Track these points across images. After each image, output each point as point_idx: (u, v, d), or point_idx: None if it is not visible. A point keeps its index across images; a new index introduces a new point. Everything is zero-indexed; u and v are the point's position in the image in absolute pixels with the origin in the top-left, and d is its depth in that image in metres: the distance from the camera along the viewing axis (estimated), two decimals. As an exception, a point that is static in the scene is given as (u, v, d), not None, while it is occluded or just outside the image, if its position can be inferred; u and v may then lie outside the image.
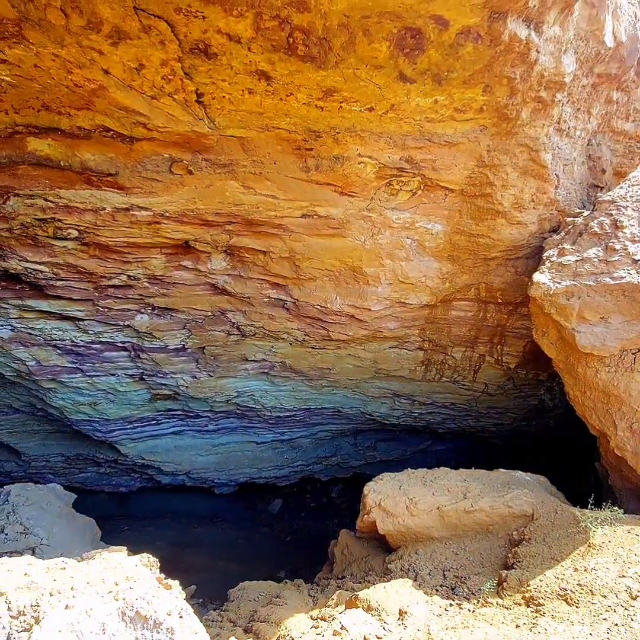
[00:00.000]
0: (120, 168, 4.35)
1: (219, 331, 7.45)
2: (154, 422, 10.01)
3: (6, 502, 6.41)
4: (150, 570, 2.41)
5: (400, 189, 4.82)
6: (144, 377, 8.50)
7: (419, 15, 3.14)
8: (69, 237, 5.27)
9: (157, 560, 3.08)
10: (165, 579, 2.51)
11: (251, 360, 8.13)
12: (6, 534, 5.88)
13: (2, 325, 7.19)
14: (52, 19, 2.68)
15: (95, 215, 4.98)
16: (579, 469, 11.32)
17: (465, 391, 8.43)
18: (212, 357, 7.98)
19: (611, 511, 3.92)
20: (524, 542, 4.22)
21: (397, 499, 4.66)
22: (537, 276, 4.72)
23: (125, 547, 2.61)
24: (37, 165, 4.34)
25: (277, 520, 10.78)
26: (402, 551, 4.68)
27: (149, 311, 7.16)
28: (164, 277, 6.31)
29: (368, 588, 3.85)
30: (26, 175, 4.42)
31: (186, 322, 7.31)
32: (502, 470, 5.16)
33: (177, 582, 2.74)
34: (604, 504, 4.22)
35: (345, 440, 11.65)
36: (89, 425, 9.59)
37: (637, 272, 4.25)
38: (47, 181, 4.52)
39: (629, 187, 4.81)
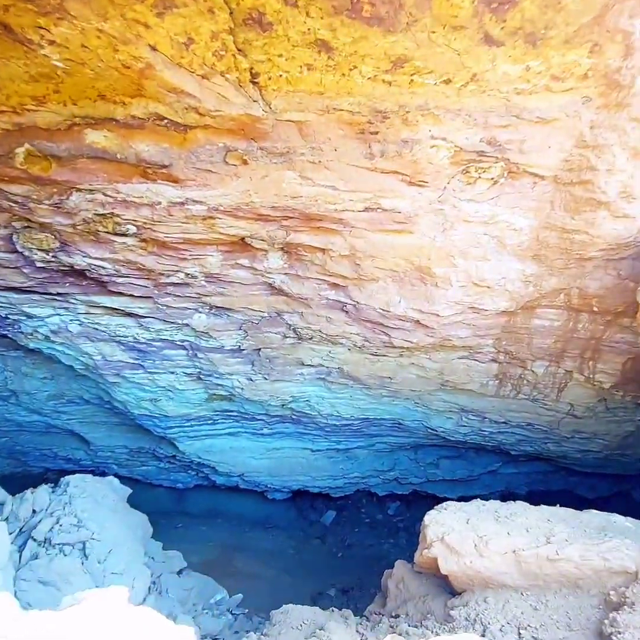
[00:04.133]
0: (174, 159, 4.17)
1: (275, 333, 7.20)
2: (211, 421, 10.04)
3: (64, 493, 6.56)
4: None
5: (479, 177, 4.19)
6: (201, 376, 8.50)
7: (513, -47, 2.57)
8: (127, 232, 5.24)
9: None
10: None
11: (307, 365, 7.80)
12: (61, 525, 5.97)
13: (71, 320, 7.47)
14: (95, -13, 2.48)
15: (152, 209, 4.87)
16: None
17: (545, 411, 7.44)
18: (268, 360, 7.75)
19: None
20: (625, 607, 3.40)
21: (464, 535, 4.01)
22: (651, 281, 3.86)
23: (126, 589, 2.29)
24: (95, 159, 4.29)
25: (329, 532, 10.34)
26: (468, 596, 4.02)
27: (207, 310, 7.08)
28: (221, 275, 6.14)
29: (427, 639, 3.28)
30: (85, 169, 4.39)
31: (242, 322, 7.14)
32: (594, 511, 4.30)
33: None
34: None
35: (405, 454, 10.94)
36: (150, 421, 9.82)
37: None
38: (105, 175, 4.47)
39: None
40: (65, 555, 5.73)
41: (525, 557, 3.75)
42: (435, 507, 4.55)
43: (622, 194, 4.04)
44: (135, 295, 6.64)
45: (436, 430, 9.21)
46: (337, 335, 6.66)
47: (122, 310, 7.11)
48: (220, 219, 4.93)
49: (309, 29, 3.07)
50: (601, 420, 7.33)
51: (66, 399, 10.40)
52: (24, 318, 7.45)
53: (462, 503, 4.51)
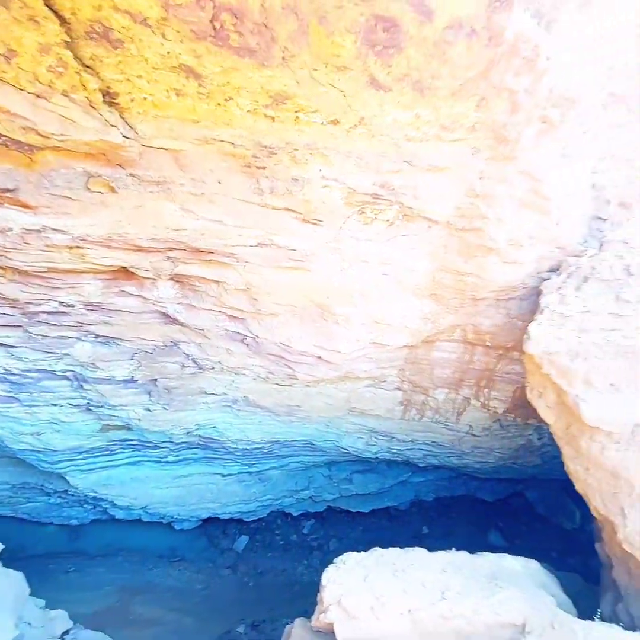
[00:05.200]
0: (21, 182, 3.45)
1: (173, 363, 6.56)
2: (107, 452, 9.05)
3: None
4: None
5: (376, 218, 4.00)
6: (90, 407, 7.57)
7: None
8: (-26, 260, 4.35)
9: None
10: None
11: (211, 394, 7.26)
12: None
13: None
14: None
15: (2, 236, 4.06)
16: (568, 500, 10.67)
17: (447, 431, 7.65)
18: (166, 390, 7.07)
19: (622, 637, 3.14)
20: (512, 659, 3.43)
21: (361, 597, 3.81)
22: (534, 329, 3.93)
23: None
24: None
25: (241, 559, 9.86)
26: (366, 658, 3.84)
27: (91, 339, 6.24)
28: (103, 303, 5.40)
29: None
30: None
31: (134, 352, 6.41)
32: (488, 555, 4.35)
33: None
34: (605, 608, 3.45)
35: (319, 471, 10.80)
36: (33, 455, 8.59)
37: (657, 332, 3.49)
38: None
39: (643, 224, 4.08)
40: None
41: (420, 617, 3.65)
42: (334, 561, 4.33)
43: (510, 241, 4.09)
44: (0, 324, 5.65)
45: (348, 450, 9.15)
46: (239, 367, 6.22)
47: (-15, 340, 6.03)
48: (90, 249, 4.25)
49: (169, 52, 2.61)
50: (496, 437, 7.71)
51: None
52: None
53: (362, 555, 4.34)
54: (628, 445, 3.65)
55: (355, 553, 4.44)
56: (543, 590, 3.96)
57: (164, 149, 3.34)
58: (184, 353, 6.31)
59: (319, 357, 5.34)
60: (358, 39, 2.58)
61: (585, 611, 4.16)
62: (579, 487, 4.15)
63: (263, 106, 2.99)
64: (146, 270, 4.78)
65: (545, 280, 4.48)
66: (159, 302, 5.44)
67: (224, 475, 10.11)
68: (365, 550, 4.64)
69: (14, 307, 5.36)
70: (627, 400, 3.59)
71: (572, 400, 3.73)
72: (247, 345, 5.75)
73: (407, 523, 10.84)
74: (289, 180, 3.62)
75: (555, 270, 4.54)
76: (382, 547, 4.64)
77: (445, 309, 4.85)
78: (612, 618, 4.30)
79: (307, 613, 5.14)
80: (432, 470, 10.77)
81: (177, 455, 9.55)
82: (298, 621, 4.49)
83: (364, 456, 9.34)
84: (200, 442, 8.96)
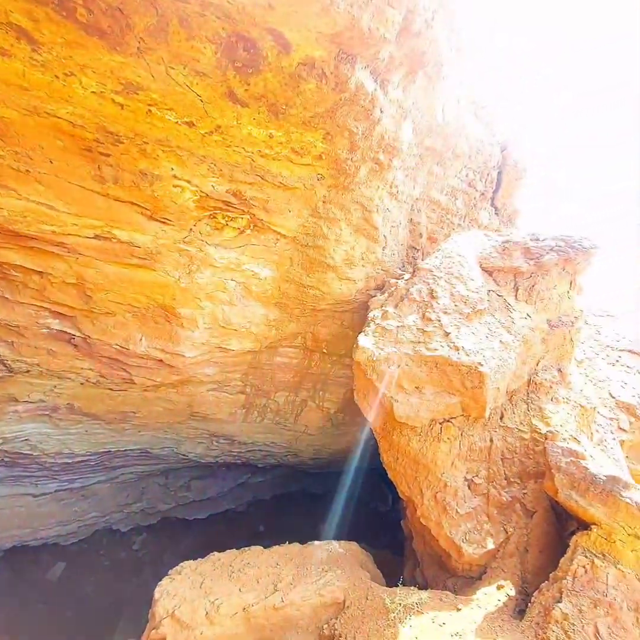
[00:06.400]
0: None
1: (-29, 365, 5.44)
2: None
3: None
4: None
5: (226, 225, 4.05)
6: None
7: (255, 23, 2.46)
8: None
9: None
10: None
11: (24, 401, 6.22)
12: None
13: None
14: None
15: None
16: (382, 486, 12.23)
17: (286, 432, 8.07)
18: (-41, 398, 5.82)
19: (417, 597, 3.82)
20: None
21: (196, 604, 3.78)
22: (362, 340, 4.51)
23: None
24: None
25: (57, 589, 8.57)
26: (196, 665, 3.80)
27: None
28: None
29: None
30: None
31: None
32: (316, 543, 4.76)
33: None
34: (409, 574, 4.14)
35: (154, 480, 10.16)
36: None
37: (448, 345, 4.36)
38: None
39: (443, 258, 5.03)
40: None
41: (254, 612, 3.79)
42: (169, 573, 4.18)
43: (346, 261, 4.61)
44: None
45: (187, 456, 8.85)
46: (63, 370, 5.49)
47: None
48: None
49: (-5, 8, 2.25)
50: (329, 435, 8.44)
51: None
52: None
53: (197, 562, 4.29)
54: (426, 437, 4.47)
55: (191, 561, 4.36)
56: (361, 568, 4.52)
57: (-22, 112, 2.83)
58: (-11, 353, 5.30)
59: (161, 361, 5.09)
60: (219, 51, 2.63)
61: (393, 579, 4.89)
62: (390, 474, 4.87)
63: (112, 91, 2.80)
64: (-61, 251, 3.91)
65: (372, 297, 5.15)
66: (-44, 290, 4.49)
67: (36, 496, 8.71)
68: (202, 556, 4.59)
69: None
70: (428, 400, 4.39)
71: (388, 400, 4.39)
72: (75, 345, 5.13)
73: (245, 524, 10.96)
74: (136, 173, 3.42)
75: (380, 288, 5.27)
76: (219, 550, 4.65)
77: (289, 317, 5.16)
78: (411, 582, 5.14)
79: (138, 633, 4.79)
80: (271, 469, 11.16)
81: (-31, 477, 7.89)
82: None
83: (203, 461, 9.15)
84: (6, 459, 7.59)
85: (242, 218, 3.99)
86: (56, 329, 4.99)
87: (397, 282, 4.95)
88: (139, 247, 4.01)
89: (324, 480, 12.42)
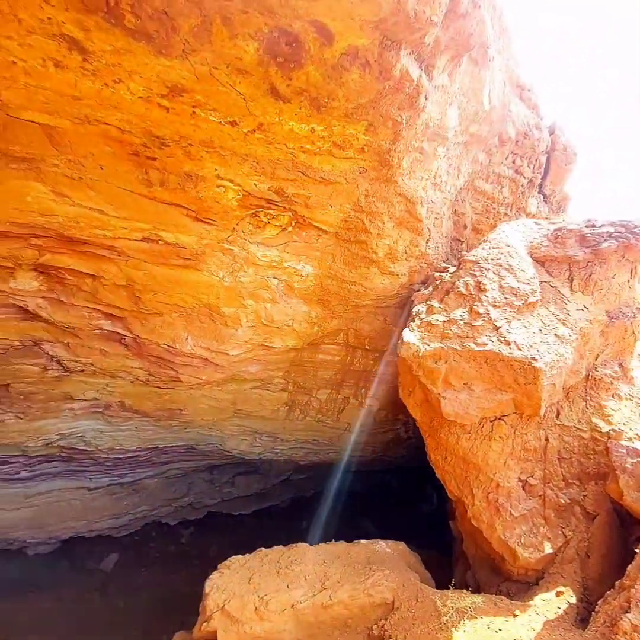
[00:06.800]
0: None
1: (32, 365, 5.75)
2: (-64, 472, 7.56)
3: None
4: None
5: (268, 223, 4.06)
6: None
7: (297, 16, 2.43)
8: None
9: None
10: None
11: (79, 399, 6.53)
12: None
13: None
14: None
15: None
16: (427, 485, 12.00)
17: (328, 429, 8.05)
18: (22, 397, 6.17)
19: (471, 600, 3.69)
20: None
21: (246, 599, 3.82)
22: (407, 335, 4.40)
23: None
24: None
25: (111, 579, 8.99)
26: (247, 659, 3.85)
27: None
28: (-59, 294, 4.53)
29: None
30: None
31: (-21, 352, 5.47)
32: (362, 542, 4.71)
33: None
34: (461, 576, 4.02)
35: (200, 476, 10.43)
36: None
37: (499, 340, 4.18)
38: None
39: (490, 248, 4.84)
40: None
41: (302, 609, 3.79)
42: (218, 567, 4.26)
43: (389, 255, 4.51)
44: None
45: (231, 452, 9.02)
46: (115, 369, 5.72)
47: None
48: None
49: (49, 18, 2.34)
50: (371, 432, 8.35)
51: None
52: None
53: (245, 558, 4.34)
54: (476, 435, 4.31)
55: (239, 556, 4.42)
56: (409, 569, 4.43)
57: (35, 123, 2.97)
58: (47, 354, 5.60)
59: (206, 359, 5.19)
60: (261, 48, 2.62)
61: (442, 581, 4.77)
62: (438, 474, 4.74)
63: (158, 95, 2.85)
64: (3, 257, 4.14)
65: (416, 291, 5.03)
66: (17, 294, 4.75)
67: (90, 489, 9.14)
68: (247, 552, 4.64)
69: None
70: (477, 397, 4.23)
71: (435, 397, 4.27)
72: (125, 345, 5.33)
73: (289, 520, 11.06)
74: (182, 175, 3.48)
75: (424, 283, 5.13)
76: (264, 546, 4.69)
77: (331, 314, 5.13)
78: (462, 585, 4.99)
79: (187, 625, 4.92)
80: (312, 467, 11.19)
81: (32, 471, 8.39)
82: (177, 635, 4.30)
83: (247, 457, 9.29)
84: (63, 454, 8.00)
85: (283, 215, 3.98)
86: (108, 330, 5.19)
87: (442, 276, 4.80)
88: (185, 248, 4.09)
89: (366, 478, 12.34)
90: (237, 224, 3.98)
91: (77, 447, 7.77)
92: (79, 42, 2.51)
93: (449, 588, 4.10)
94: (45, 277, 4.64)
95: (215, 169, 3.49)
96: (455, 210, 5.25)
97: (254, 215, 3.95)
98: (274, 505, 11.38)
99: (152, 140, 3.26)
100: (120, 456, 8.39)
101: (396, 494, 12.67)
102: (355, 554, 4.45)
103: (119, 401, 6.66)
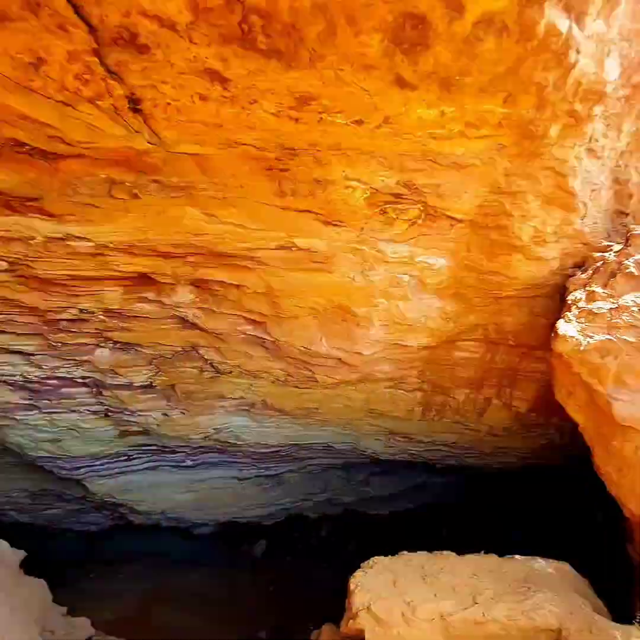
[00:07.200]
0: (45, 191, 3.47)
1: (191, 368, 6.58)
2: (125, 457, 9.10)
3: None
4: None
5: (397, 218, 3.96)
6: (109, 413, 7.61)
7: (424, -5, 2.30)
8: (-2, 268, 4.40)
9: None
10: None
11: (229, 398, 7.26)
12: None
13: (-58, 359, 6.29)
14: None
15: (25, 245, 4.09)
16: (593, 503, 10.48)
17: (468, 431, 7.56)
18: (185, 395, 7.09)
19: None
20: (549, 664, 3.36)
21: (391, 602, 3.76)
22: (563, 327, 3.87)
23: None
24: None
25: (260, 564, 9.84)
26: (397, 664, 3.78)
27: (110, 346, 6.28)
28: (123, 310, 5.43)
29: None
30: None
31: (153, 357, 6.43)
32: (518, 557, 4.27)
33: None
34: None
35: (336, 473, 10.75)
36: (52, 463, 8.67)
37: (691, 328, 3.40)
38: (-39, 207, 3.64)
39: (670, 217, 3.99)
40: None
41: (452, 622, 3.59)
42: (361, 566, 4.28)
43: (535, 238, 4.03)
44: (19, 333, 5.72)
45: (365, 452, 9.10)
46: (258, 371, 6.21)
47: (5, 348, 6.10)
48: (112, 256, 4.28)
49: (195, 57, 2.60)
50: (518, 437, 7.59)
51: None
52: None
53: (389, 559, 4.29)
54: (663, 444, 3.57)
55: (382, 557, 4.39)
56: (576, 594, 3.88)
57: (187, 154, 3.34)
58: (203, 357, 6.32)
59: (340, 360, 5.31)
60: (385, 38, 2.55)
61: (615, 612, 4.07)
62: (610, 488, 4.05)
63: (288, 108, 2.98)
64: (166, 275, 4.79)
65: (570, 276, 4.41)
66: (178, 307, 5.45)
67: (240, 479, 10.10)
68: (386, 553, 4.58)
69: (34, 315, 5.41)
70: (662, 398, 3.51)
71: (604, 399, 3.66)
72: (266, 348, 5.74)
73: (427, 525, 10.73)
74: (311, 182, 3.60)
75: (580, 266, 4.47)
76: (403, 550, 4.58)
77: (468, 308, 4.80)
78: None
79: (330, 618, 5.10)
80: (451, 471, 10.66)
81: (194, 460, 9.58)
82: (326, 627, 4.45)
83: (382, 458, 9.28)
84: (218, 446, 8.96)
85: (413, 208, 3.85)
86: (251, 334, 5.65)
87: (603, 256, 4.12)
88: (316, 252, 4.23)
89: (512, 486, 11.30)
90: (365, 223, 3.97)
91: (228, 440, 8.65)
92: (218, 72, 2.74)
93: (634, 623, 3.47)
94: (198, 290, 5.25)
95: (343, 171, 3.52)
96: (616, 178, 4.46)
97: (382, 212, 3.90)
98: (410, 508, 11.15)
99: (284, 152, 3.43)
100: (265, 450, 9.09)
101: (550, 506, 11.34)
102: (510, 570, 4.05)
103: (262, 400, 7.21)
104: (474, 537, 11.11)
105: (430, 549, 4.70)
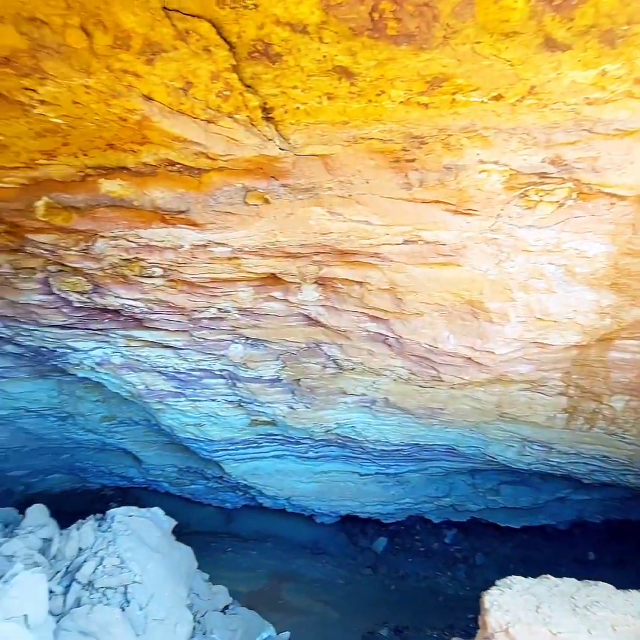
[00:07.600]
0: (191, 203, 3.85)
1: (314, 364, 6.81)
2: (255, 444, 9.86)
3: (109, 529, 6.51)
4: None
5: (541, 200, 3.51)
6: (241, 403, 8.31)
7: None
8: (154, 274, 5.04)
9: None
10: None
11: (351, 394, 7.34)
12: (104, 567, 5.90)
13: (113, 353, 7.51)
14: (73, 42, 2.14)
15: (175, 253, 4.62)
16: None
17: (625, 445, 6.48)
18: (309, 390, 7.37)
19: None
20: None
21: (534, 629, 3.37)
22: None
23: None
24: (113, 207, 4.06)
25: (381, 561, 9.79)
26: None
27: (243, 342, 6.83)
28: (254, 308, 5.83)
29: None
30: (105, 217, 4.18)
31: (280, 353, 6.82)
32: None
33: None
34: None
35: (462, 478, 10.17)
36: (196, 444, 9.79)
37: None
38: (125, 222, 4.24)
39: None
40: (108, 599, 5.65)
41: (613, 667, 3.07)
42: (497, 583, 3.92)
43: None
44: (171, 330, 6.52)
45: (495, 458, 8.43)
46: (380, 368, 6.14)
47: (160, 343, 7.02)
48: (245, 259, 4.59)
49: (324, 56, 2.59)
50: (697, 456, 6.28)
51: (118, 420, 10.66)
52: (70, 351, 7.55)
53: (531, 581, 3.86)
54: None
55: (521, 577, 3.97)
56: None
57: (314, 155, 3.39)
58: (326, 354, 6.48)
59: (468, 359, 4.95)
60: (533, -4, 2.24)
61: None
62: None
63: (417, 94, 2.81)
64: (293, 275, 4.98)
65: None
66: (303, 305, 5.64)
67: (361, 475, 10.19)
68: (517, 569, 4.16)
69: (182, 314, 6.10)
70: None
71: None
72: (389, 346, 5.64)
73: (568, 545, 9.55)
74: (440, 170, 3.38)
75: None
76: (537, 568, 4.12)
77: (630, 301, 4.07)
78: None
79: (453, 627, 4.84)
80: (600, 488, 9.31)
81: (316, 452, 9.94)
82: (456, 641, 4.19)
83: (514, 466, 8.50)
84: (339, 441, 9.16)
85: (561, 188, 3.36)
86: (373, 331, 5.60)
87: None
88: (444, 245, 3.98)
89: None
90: (502, 209, 3.60)
91: (349, 436, 8.77)
92: (346, 68, 2.70)
93: None
94: (322, 288, 5.36)
95: (477, 154, 3.22)
96: None
97: (522, 195, 3.49)
98: (549, 525, 10.03)
99: (411, 142, 3.27)
100: (385, 448, 9.02)
101: None
102: (693, 618, 3.33)
103: (383, 397, 7.14)
104: (628, 564, 9.57)
105: (573, 574, 4.14)
